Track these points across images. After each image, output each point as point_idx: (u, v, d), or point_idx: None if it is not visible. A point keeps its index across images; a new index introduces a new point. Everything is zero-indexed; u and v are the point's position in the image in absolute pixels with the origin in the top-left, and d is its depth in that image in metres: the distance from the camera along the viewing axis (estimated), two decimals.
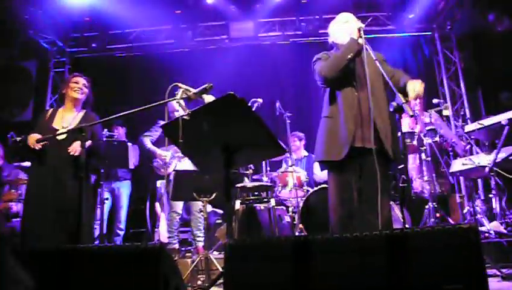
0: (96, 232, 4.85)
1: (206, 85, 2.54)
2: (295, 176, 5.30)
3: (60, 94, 4.00)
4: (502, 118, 3.57)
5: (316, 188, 5.17)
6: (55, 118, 3.78)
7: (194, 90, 2.56)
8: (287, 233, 5.01)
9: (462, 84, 7.14)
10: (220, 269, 3.81)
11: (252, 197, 4.92)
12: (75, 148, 3.57)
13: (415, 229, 1.64)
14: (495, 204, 4.96)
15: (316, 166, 6.04)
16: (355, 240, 1.68)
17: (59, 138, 3.58)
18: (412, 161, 4.92)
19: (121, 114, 2.93)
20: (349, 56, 2.99)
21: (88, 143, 3.57)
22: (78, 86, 3.84)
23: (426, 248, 1.59)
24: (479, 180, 6.24)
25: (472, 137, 4.42)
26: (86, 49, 7.52)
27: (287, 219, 5.25)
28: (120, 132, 6.22)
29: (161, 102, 2.70)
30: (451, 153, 4.82)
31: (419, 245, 1.60)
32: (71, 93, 3.83)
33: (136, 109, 2.83)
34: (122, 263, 1.73)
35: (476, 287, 1.50)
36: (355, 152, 2.97)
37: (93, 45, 7.40)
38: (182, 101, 2.58)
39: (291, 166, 5.41)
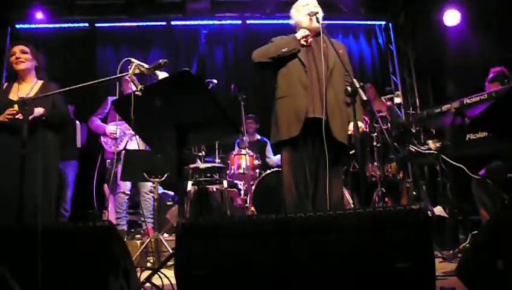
0: None
1: (161, 61, 2.46)
2: (248, 159, 5.30)
3: (9, 69, 3.71)
4: (450, 107, 3.69)
5: (268, 171, 5.19)
6: (11, 91, 3.56)
7: (147, 66, 2.48)
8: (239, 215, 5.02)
9: (413, 74, 7.37)
10: (170, 251, 3.76)
11: (204, 179, 4.87)
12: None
13: (367, 210, 1.67)
14: (439, 189, 5.17)
15: (269, 150, 6.08)
16: (309, 220, 1.68)
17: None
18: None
19: (69, 88, 2.79)
20: (282, 50, 3.17)
21: (38, 113, 3.37)
22: (16, 56, 3.57)
23: (378, 229, 1.62)
24: (426, 167, 6.49)
25: (421, 124, 4.56)
26: (28, 21, 7.04)
27: (239, 201, 5.25)
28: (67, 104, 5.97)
29: (112, 77, 2.59)
30: (400, 140, 4.95)
31: (372, 226, 1.62)
32: (14, 67, 3.59)
33: (85, 83, 2.70)
34: (70, 242, 1.65)
35: (424, 266, 1.55)
36: (310, 127, 3.02)
37: (39, 17, 6.98)
38: (134, 77, 2.49)
39: (244, 148, 5.39)
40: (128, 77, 2.43)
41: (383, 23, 7.70)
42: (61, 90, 2.86)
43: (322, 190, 2.98)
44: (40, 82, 3.65)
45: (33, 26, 7.00)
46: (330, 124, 3.04)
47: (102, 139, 5.04)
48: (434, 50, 6.93)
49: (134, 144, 4.77)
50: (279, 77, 3.26)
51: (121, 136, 4.91)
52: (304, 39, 3.21)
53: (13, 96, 3.51)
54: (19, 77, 3.63)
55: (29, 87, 3.59)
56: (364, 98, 2.66)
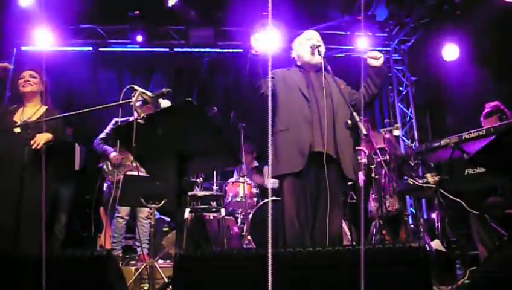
0: None
1: (164, 90, 2.48)
2: (246, 187, 5.29)
3: (14, 92, 3.71)
4: (448, 141, 3.70)
5: (266, 200, 5.17)
6: (16, 114, 3.55)
7: (150, 94, 2.49)
8: (236, 244, 4.97)
9: (412, 107, 7.44)
10: (165, 278, 3.72)
11: (201, 206, 4.85)
12: (38, 141, 3.34)
13: (366, 246, 1.66)
14: (437, 223, 5.16)
15: (267, 173, 6.06)
16: (308, 255, 1.68)
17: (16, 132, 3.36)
18: (361, 179, 5.03)
19: (73, 113, 2.81)
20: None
21: (47, 139, 3.38)
22: (24, 80, 3.59)
23: (378, 265, 1.62)
24: (423, 200, 6.48)
25: (420, 158, 4.57)
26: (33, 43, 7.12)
27: (236, 229, 5.21)
28: (67, 132, 5.98)
29: (114, 104, 2.61)
30: (399, 173, 4.96)
31: (371, 262, 1.61)
32: (20, 90, 3.59)
33: (88, 109, 2.72)
34: (67, 271, 1.64)
35: None
36: (312, 160, 3.01)
37: (44, 40, 7.05)
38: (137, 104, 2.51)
39: (242, 176, 5.39)
40: (132, 104, 2.45)
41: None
42: (63, 114, 2.87)
43: (321, 221, 2.97)
44: (45, 107, 3.64)
45: (38, 48, 7.05)
46: (341, 161, 3.04)
47: (102, 164, 5.02)
48: (433, 83, 7.02)
49: (136, 171, 4.75)
50: (281, 109, 3.24)
51: (123, 166, 4.89)
52: (311, 50, 3.24)
53: (16, 118, 3.52)
54: (24, 99, 3.63)
55: (32, 111, 3.59)
56: (365, 131, 2.68)
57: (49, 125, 3.41)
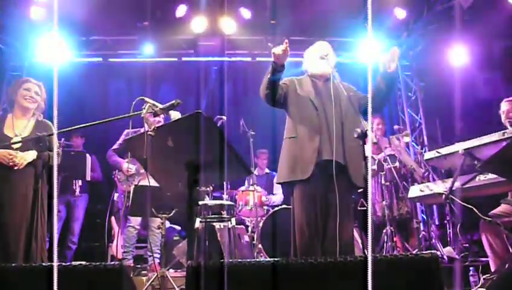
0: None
1: (174, 101, 2.50)
2: (256, 195, 5.29)
3: (9, 98, 3.64)
4: (459, 147, 3.67)
5: (276, 208, 5.17)
6: (5, 125, 3.50)
7: (160, 106, 2.51)
8: (246, 253, 4.97)
9: (421, 113, 7.40)
10: (176, 288, 3.73)
11: (212, 216, 4.85)
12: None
13: (379, 256, 1.66)
14: (449, 230, 5.13)
15: (277, 186, 6.05)
16: (319, 266, 1.68)
17: (14, 147, 3.38)
18: (372, 185, 5.01)
19: (83, 125, 2.84)
20: (268, 76, 3.13)
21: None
22: (30, 95, 3.55)
23: (390, 275, 1.61)
24: (435, 207, 6.43)
25: (430, 164, 4.55)
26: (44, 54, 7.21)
27: (246, 238, 5.20)
28: (78, 143, 6.05)
29: (125, 116, 2.64)
30: (409, 179, 4.94)
31: (384, 272, 1.61)
32: (21, 102, 3.54)
33: (99, 121, 2.76)
34: (80, 284, 1.65)
35: None
36: (321, 169, 3.01)
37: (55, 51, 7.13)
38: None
39: (252, 185, 5.39)
40: (142, 116, 2.47)
41: None
42: (75, 127, 2.90)
43: (332, 230, 2.96)
44: (34, 118, 3.60)
45: (48, 61, 7.12)
46: (349, 170, 3.05)
47: (116, 175, 5.04)
48: (442, 88, 6.98)
49: (147, 182, 4.76)
50: (290, 117, 3.28)
51: (135, 176, 4.92)
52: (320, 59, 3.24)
53: (8, 131, 3.48)
54: (19, 111, 3.58)
55: (24, 124, 3.54)
56: (375, 140, 2.69)
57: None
